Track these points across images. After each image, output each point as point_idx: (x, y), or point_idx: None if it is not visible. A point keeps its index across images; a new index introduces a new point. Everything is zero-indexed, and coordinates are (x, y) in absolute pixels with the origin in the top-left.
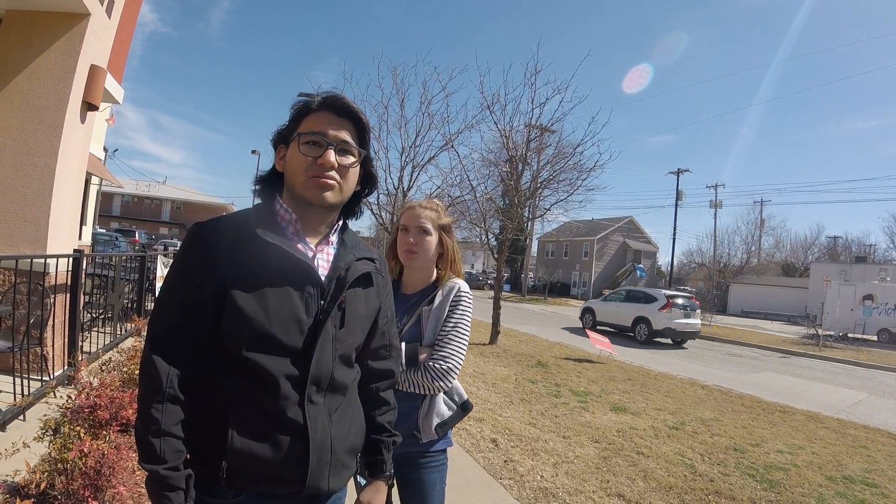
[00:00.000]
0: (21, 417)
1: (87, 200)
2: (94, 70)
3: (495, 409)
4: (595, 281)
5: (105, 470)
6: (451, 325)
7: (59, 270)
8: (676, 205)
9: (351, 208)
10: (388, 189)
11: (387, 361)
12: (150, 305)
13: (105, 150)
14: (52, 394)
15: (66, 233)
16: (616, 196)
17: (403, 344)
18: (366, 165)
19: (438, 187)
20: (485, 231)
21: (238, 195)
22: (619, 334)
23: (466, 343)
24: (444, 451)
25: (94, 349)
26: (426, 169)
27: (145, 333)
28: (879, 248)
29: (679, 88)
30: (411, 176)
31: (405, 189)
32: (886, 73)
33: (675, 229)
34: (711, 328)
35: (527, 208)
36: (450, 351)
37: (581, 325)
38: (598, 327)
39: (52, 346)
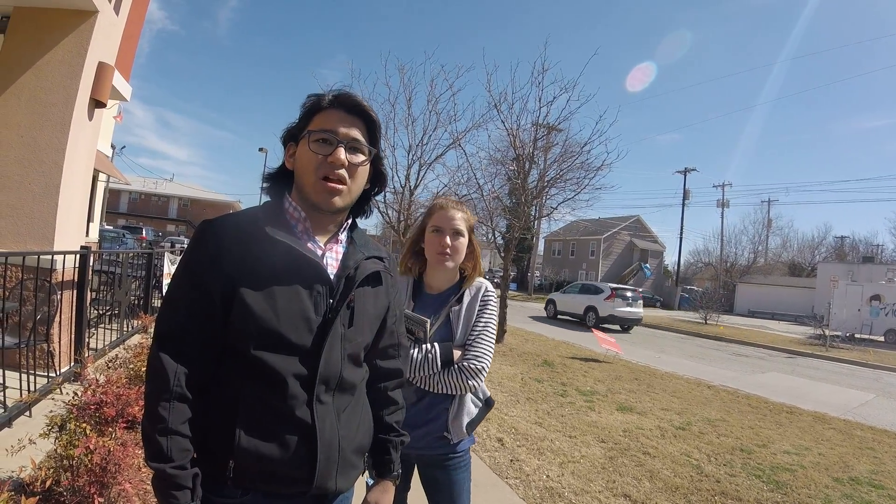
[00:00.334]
0: (27, 413)
1: (95, 197)
2: (101, 67)
3: (501, 408)
4: (601, 280)
5: (111, 467)
6: (481, 324)
7: (67, 267)
8: (683, 204)
9: (360, 207)
10: (394, 187)
11: (395, 360)
12: (156, 302)
13: (112, 146)
14: (58, 390)
15: (74, 229)
16: (623, 195)
17: (437, 344)
18: (376, 164)
19: (445, 185)
20: (492, 230)
21: (245, 192)
22: (577, 322)
23: (494, 342)
24: (468, 449)
25: (100, 346)
26: (433, 167)
27: (152, 331)
28: (887, 248)
29: (686, 87)
30: (418, 174)
31: (412, 187)
32: (894, 72)
33: (682, 228)
34: (717, 328)
35: (534, 207)
36: (482, 350)
37: (545, 315)
38: (558, 315)
39: (59, 342)
